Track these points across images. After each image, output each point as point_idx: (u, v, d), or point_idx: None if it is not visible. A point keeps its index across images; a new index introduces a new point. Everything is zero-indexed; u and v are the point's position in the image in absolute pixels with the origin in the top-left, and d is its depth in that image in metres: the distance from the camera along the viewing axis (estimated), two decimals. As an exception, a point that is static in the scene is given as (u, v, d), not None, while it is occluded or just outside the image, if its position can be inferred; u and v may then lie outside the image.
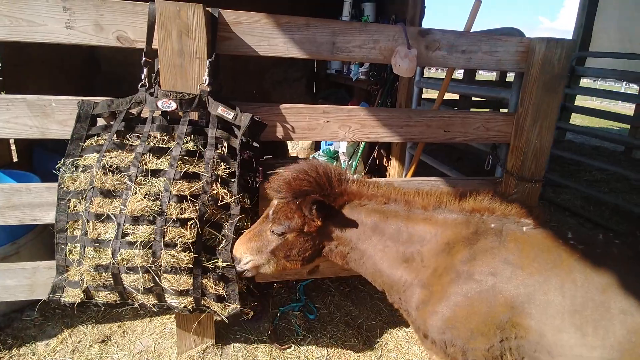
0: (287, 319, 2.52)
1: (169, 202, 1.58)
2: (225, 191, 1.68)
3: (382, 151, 4.34)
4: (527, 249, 1.39)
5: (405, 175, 3.22)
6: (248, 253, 1.59)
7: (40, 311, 2.48)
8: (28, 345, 2.24)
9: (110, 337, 2.34)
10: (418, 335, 1.55)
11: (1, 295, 2.03)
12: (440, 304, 1.42)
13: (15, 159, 3.74)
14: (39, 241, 2.58)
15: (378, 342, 2.42)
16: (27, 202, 1.91)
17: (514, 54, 2.19)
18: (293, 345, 2.33)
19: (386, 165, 4.33)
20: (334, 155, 4.28)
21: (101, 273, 1.60)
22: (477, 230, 1.45)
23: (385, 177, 4.28)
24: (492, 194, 1.57)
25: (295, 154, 4.51)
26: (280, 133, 2.05)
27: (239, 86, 5.85)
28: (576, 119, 11.17)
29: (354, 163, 4.21)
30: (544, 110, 2.21)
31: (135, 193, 1.57)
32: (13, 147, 3.84)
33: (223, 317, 1.75)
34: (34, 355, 2.18)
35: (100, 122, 1.78)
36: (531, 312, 1.32)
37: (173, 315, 2.32)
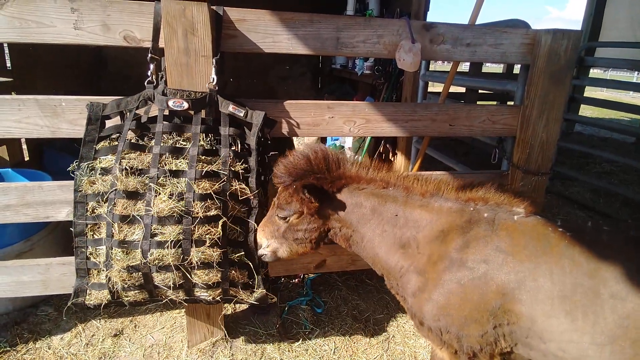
0: (295, 313, 2.56)
1: (193, 201, 1.62)
2: (244, 186, 1.75)
3: (388, 146, 4.33)
4: (518, 237, 1.41)
5: (412, 170, 3.22)
6: (265, 238, 1.69)
7: (54, 306, 2.55)
8: (44, 339, 2.31)
9: (122, 331, 2.39)
10: (414, 323, 1.57)
11: (18, 291, 2.09)
12: (434, 291, 1.44)
13: (26, 158, 3.82)
14: (51, 238, 2.65)
15: (385, 335, 2.44)
16: (40, 200, 1.95)
17: (519, 46, 2.17)
18: (301, 339, 2.36)
19: (392, 160, 4.33)
20: (340, 151, 4.29)
21: (132, 273, 1.63)
22: (471, 219, 1.47)
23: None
24: (488, 185, 1.58)
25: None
26: (285, 129, 2.07)
27: (244, 83, 5.88)
28: (586, 110, 11.02)
29: (360, 158, 4.22)
30: (551, 102, 2.19)
31: (159, 194, 1.60)
32: (24, 147, 3.92)
33: (250, 301, 1.83)
34: (49, 348, 2.24)
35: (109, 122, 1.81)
36: (522, 299, 1.34)
37: (183, 310, 2.36)
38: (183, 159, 1.69)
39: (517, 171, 2.34)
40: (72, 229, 1.68)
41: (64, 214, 1.97)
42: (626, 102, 6.50)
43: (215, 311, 2.23)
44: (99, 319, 2.46)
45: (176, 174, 1.65)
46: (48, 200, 1.96)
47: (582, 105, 7.30)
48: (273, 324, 2.42)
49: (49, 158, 3.64)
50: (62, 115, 1.86)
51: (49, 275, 2.09)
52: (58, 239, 2.69)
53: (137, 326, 2.43)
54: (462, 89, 4.72)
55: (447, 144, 5.94)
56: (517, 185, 2.33)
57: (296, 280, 2.87)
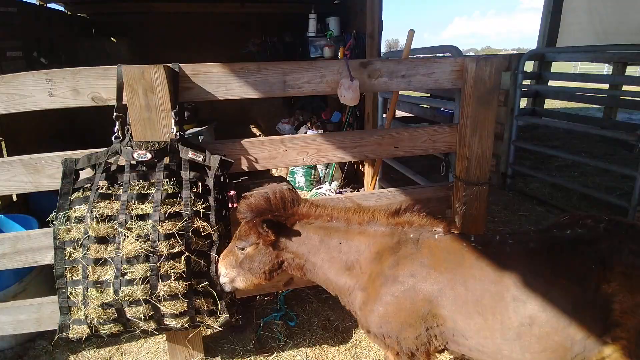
0: (270, 328, 2.77)
1: (158, 240, 1.83)
2: (205, 223, 1.95)
3: (357, 159, 4.59)
4: (438, 253, 1.69)
5: (370, 188, 3.46)
6: (224, 267, 1.90)
7: (48, 340, 2.75)
8: (42, 371, 2.52)
9: (110, 359, 2.60)
10: (364, 331, 1.84)
11: (17, 328, 2.32)
12: (375, 304, 1.70)
13: (14, 199, 4.00)
14: (41, 277, 2.85)
15: (352, 341, 2.68)
16: (29, 247, 2.18)
17: (449, 74, 2.42)
18: (275, 352, 2.59)
19: (362, 170, 4.59)
20: (312, 166, 4.54)
21: (106, 309, 1.84)
22: (400, 240, 1.75)
23: (362, 181, 4.54)
24: (415, 208, 1.86)
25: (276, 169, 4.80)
26: (245, 164, 2.30)
27: (218, 106, 6.06)
28: (555, 102, 11.39)
29: (331, 171, 4.47)
30: (481, 121, 2.45)
31: (127, 237, 1.81)
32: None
33: (216, 327, 2.03)
34: (47, 379, 2.45)
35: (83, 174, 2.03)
36: (444, 304, 1.61)
37: (165, 335, 2.57)
38: (149, 203, 1.90)
39: (459, 183, 2.60)
40: (54, 272, 1.90)
41: (49, 257, 2.19)
42: (587, 94, 6.82)
43: (194, 334, 2.44)
44: (89, 350, 2.66)
45: (142, 217, 1.86)
46: (35, 246, 2.18)
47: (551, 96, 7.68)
48: (249, 340, 2.65)
49: (34, 198, 3.84)
50: (43, 171, 2.09)
51: (42, 314, 2.30)
52: (47, 277, 2.88)
53: (123, 354, 2.64)
54: (426, 105, 4.97)
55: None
56: (461, 195, 2.60)
57: (269, 297, 3.09)
